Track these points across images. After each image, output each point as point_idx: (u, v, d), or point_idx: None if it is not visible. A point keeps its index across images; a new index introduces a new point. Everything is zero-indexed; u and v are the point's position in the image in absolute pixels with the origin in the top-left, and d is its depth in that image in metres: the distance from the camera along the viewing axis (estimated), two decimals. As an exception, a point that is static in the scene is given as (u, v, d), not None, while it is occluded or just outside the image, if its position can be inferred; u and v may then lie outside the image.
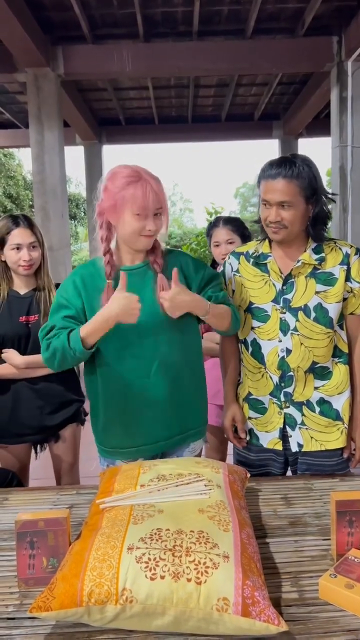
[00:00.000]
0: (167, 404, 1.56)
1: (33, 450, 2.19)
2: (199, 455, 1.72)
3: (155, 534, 1.07)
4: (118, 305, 1.40)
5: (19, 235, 1.96)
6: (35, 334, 2.01)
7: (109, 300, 1.44)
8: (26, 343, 2.03)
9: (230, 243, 2.27)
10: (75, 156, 11.01)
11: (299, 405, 1.64)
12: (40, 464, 2.29)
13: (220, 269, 1.83)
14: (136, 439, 1.58)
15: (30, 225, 2.00)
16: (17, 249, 1.96)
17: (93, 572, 1.00)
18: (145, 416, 1.56)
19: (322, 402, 1.64)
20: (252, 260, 1.69)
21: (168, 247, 1.63)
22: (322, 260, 1.60)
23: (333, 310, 1.60)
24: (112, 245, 1.55)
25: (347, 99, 5.65)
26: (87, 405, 1.98)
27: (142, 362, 1.53)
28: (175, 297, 1.45)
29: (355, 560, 1.13)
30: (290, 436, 1.66)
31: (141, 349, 1.52)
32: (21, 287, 2.06)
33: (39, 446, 2.18)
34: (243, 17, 5.43)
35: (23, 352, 2.02)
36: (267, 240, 1.68)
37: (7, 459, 2.11)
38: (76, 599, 0.97)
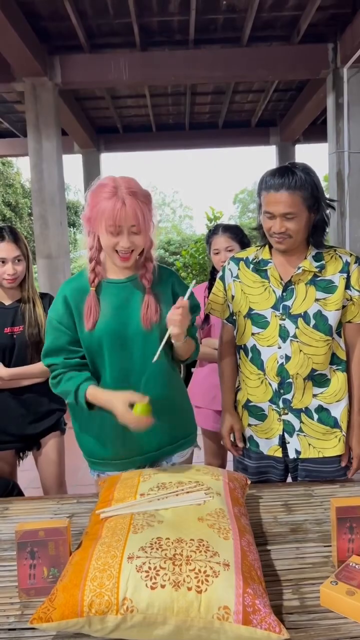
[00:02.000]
0: (156, 416, 1.55)
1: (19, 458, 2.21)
2: (190, 460, 1.72)
3: (155, 543, 1.07)
4: (126, 421, 1.42)
5: (4, 250, 1.97)
6: (20, 345, 2.04)
7: (91, 307, 1.49)
8: (11, 354, 2.04)
9: (230, 250, 2.28)
10: (73, 164, 11.05)
11: (297, 412, 1.64)
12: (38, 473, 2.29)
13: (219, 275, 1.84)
14: (127, 452, 1.58)
15: (16, 239, 2.00)
16: (2, 262, 1.98)
17: (93, 582, 1.00)
18: None
19: (320, 409, 1.64)
20: (252, 266, 1.70)
21: (159, 263, 1.63)
22: (322, 267, 1.60)
23: (332, 318, 1.60)
24: (102, 255, 1.55)
25: (343, 105, 5.68)
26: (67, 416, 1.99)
27: (132, 376, 1.53)
28: (185, 318, 1.45)
29: (356, 566, 1.13)
30: (288, 443, 1.66)
31: (131, 363, 1.53)
32: (5, 299, 2.08)
33: (21, 453, 2.20)
34: (239, 25, 5.47)
35: (8, 364, 2.03)
36: (267, 247, 1.68)
37: None
38: (77, 609, 0.97)
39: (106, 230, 1.44)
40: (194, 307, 1.69)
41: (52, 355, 1.56)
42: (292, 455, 1.66)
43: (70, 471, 2.35)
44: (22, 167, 17.43)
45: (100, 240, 1.50)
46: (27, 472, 2.34)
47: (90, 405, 1.50)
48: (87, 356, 1.55)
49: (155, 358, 1.44)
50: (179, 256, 9.96)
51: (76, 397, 1.49)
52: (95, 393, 1.48)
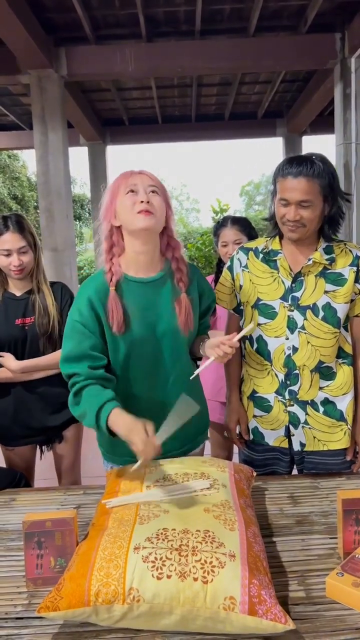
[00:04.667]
0: None
1: (39, 450, 2.20)
2: (202, 451, 1.72)
3: (162, 533, 1.07)
4: (142, 449, 1.25)
5: (8, 241, 1.91)
6: (32, 337, 2.00)
7: (114, 308, 1.42)
8: (23, 346, 2.00)
9: (238, 243, 2.27)
10: (79, 156, 11.03)
11: (303, 405, 1.64)
12: (47, 465, 2.30)
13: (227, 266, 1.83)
14: None
15: (21, 229, 1.93)
16: (7, 254, 1.93)
17: (100, 572, 1.00)
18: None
19: (326, 402, 1.64)
20: (261, 256, 1.69)
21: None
22: (332, 260, 1.59)
23: (341, 311, 1.59)
24: (117, 250, 1.52)
25: (351, 96, 5.63)
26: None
27: (160, 375, 1.51)
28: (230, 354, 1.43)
29: (362, 558, 1.13)
30: (293, 435, 1.66)
31: (159, 363, 1.50)
32: (16, 289, 2.04)
33: (44, 447, 2.18)
34: (245, 15, 5.43)
35: (20, 355, 2.00)
36: (277, 237, 1.67)
37: (14, 460, 2.12)
38: (83, 598, 0.98)
39: (125, 195, 1.41)
40: (213, 306, 1.68)
41: (73, 361, 1.43)
42: (296, 447, 1.66)
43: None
44: (28, 160, 17.48)
45: (118, 238, 1.48)
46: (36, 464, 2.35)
47: (111, 432, 1.35)
48: (112, 359, 1.47)
49: (192, 377, 1.44)
50: (185, 249, 9.96)
51: (97, 419, 1.34)
52: (116, 420, 1.32)
